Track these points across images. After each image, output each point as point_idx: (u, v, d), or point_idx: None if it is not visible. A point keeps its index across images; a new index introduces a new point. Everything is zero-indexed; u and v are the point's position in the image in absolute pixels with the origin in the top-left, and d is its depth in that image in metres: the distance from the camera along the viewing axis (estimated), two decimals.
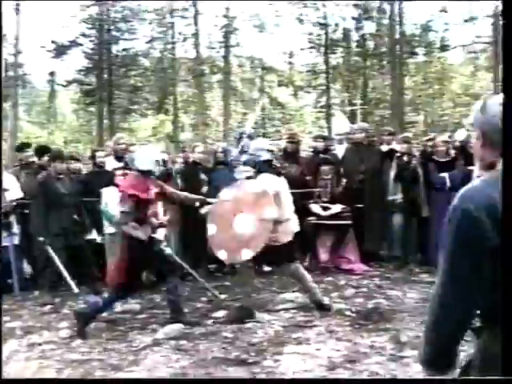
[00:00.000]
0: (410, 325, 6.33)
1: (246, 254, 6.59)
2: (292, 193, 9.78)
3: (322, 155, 10.21)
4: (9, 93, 35.52)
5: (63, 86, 35.73)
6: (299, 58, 40.74)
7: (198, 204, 7.62)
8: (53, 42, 31.70)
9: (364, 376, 4.93)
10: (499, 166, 2.10)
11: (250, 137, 10.26)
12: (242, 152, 9.94)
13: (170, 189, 7.39)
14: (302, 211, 9.54)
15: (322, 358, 5.46)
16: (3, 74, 36.18)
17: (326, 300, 7.20)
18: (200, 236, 9.37)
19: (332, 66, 33.54)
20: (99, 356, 5.86)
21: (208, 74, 33.60)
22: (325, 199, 9.82)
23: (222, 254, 6.79)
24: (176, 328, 6.48)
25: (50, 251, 8.51)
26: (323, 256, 9.75)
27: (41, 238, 8.56)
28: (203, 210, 7.43)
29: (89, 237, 9.09)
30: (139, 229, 6.56)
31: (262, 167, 7.09)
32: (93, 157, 10.16)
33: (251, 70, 36.62)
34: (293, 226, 7.28)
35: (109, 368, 5.48)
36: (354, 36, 33.88)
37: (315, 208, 9.78)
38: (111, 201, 8.90)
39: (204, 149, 10.56)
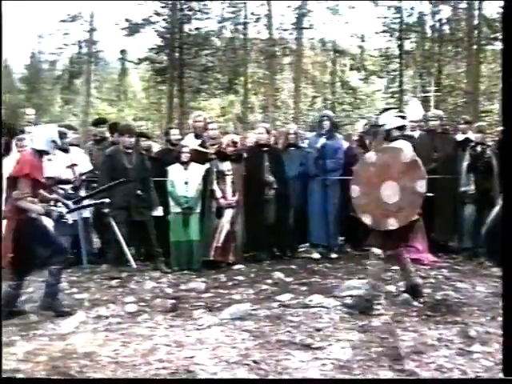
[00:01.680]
0: (479, 319, 6.17)
1: (392, 224, 6.31)
2: None
3: None
4: (81, 70, 36.28)
5: (135, 63, 36.20)
6: (372, 41, 40.19)
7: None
8: (126, 20, 32.09)
9: (431, 369, 4.83)
10: None
11: (332, 120, 10.19)
12: (321, 135, 9.89)
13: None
14: None
15: (388, 347, 5.38)
16: (76, 51, 36.96)
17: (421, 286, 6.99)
18: (264, 219, 9.45)
19: (405, 51, 32.98)
20: (165, 332, 5.91)
21: (279, 56, 33.44)
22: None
23: (366, 218, 6.51)
24: (242, 308, 6.49)
25: (113, 224, 8.67)
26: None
27: (106, 210, 8.68)
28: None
29: (154, 213, 9.15)
30: (35, 202, 6.41)
31: (395, 135, 6.76)
32: (167, 134, 10.23)
33: (323, 52, 36.27)
34: None
35: (173, 344, 5.52)
36: (430, 21, 33.21)
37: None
38: (177, 179, 9.00)
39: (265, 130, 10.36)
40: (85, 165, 9.45)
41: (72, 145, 9.42)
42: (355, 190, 6.68)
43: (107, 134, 10.20)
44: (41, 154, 6.62)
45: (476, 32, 29.08)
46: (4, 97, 37.25)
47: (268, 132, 10.04)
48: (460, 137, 10.15)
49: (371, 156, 6.63)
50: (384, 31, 33.13)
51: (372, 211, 6.46)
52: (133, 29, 32.09)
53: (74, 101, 41.24)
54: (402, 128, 6.82)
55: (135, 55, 35.52)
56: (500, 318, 6.13)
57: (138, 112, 39.18)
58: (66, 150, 9.05)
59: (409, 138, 6.89)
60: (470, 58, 29.08)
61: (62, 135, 7.99)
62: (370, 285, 6.59)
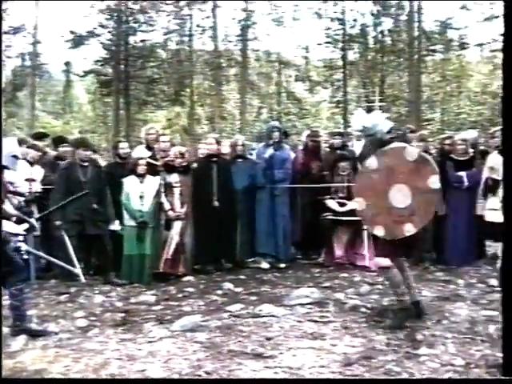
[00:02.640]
0: (425, 323, 6.30)
1: (409, 229, 5.92)
2: (309, 188, 9.90)
3: (339, 151, 10.23)
4: (24, 82, 35.80)
5: (80, 76, 35.93)
6: (316, 52, 40.67)
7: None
8: (71, 32, 31.80)
9: (380, 372, 4.94)
10: None
11: (281, 131, 10.31)
12: (269, 145, 9.99)
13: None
14: (318, 207, 9.62)
15: (338, 353, 5.47)
16: (20, 63, 36.51)
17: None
18: (212, 230, 9.48)
19: (349, 62, 33.46)
20: (116, 346, 5.90)
21: (225, 67, 33.57)
22: (341, 195, 9.82)
23: (378, 231, 6.13)
24: (192, 320, 6.51)
25: (65, 237, 8.58)
26: (338, 252, 9.78)
27: (57, 222, 8.60)
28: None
29: (112, 227, 9.11)
30: None
31: (387, 140, 6.25)
32: (115, 147, 10.18)
33: (268, 63, 36.53)
34: None
35: (125, 358, 5.52)
36: (372, 32, 33.79)
37: (331, 204, 9.80)
38: (132, 192, 8.98)
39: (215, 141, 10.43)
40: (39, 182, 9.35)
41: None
42: (360, 203, 6.28)
43: (47, 149, 10.11)
44: (0, 169, 6.27)
45: (416, 43, 29.73)
46: None
47: (218, 143, 10.10)
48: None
49: (372, 163, 6.16)
50: (328, 42, 33.55)
51: (383, 221, 6.06)
52: (77, 41, 31.80)
53: (17, 114, 40.67)
54: (390, 130, 6.39)
55: (80, 68, 35.26)
56: (445, 321, 6.33)
57: (84, 125, 38.86)
58: (30, 163, 9.01)
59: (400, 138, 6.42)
60: (411, 69, 29.73)
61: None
62: (398, 294, 6.24)
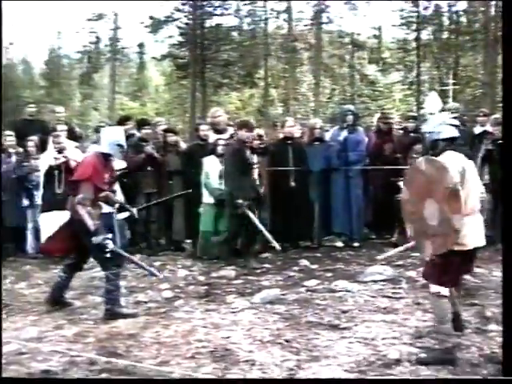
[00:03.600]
0: (494, 301, 6.48)
1: (427, 248, 5.18)
2: (382, 170, 10.09)
3: (413, 134, 10.36)
4: (100, 65, 36.84)
5: (158, 59, 36.68)
6: (389, 34, 40.34)
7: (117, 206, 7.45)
8: (150, 17, 32.53)
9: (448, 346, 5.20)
10: None
11: (355, 114, 10.52)
12: (343, 128, 10.22)
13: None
14: (391, 188, 9.82)
15: (410, 327, 5.77)
16: (99, 47, 37.57)
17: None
18: (288, 210, 9.81)
19: (423, 43, 33.12)
20: (201, 315, 6.34)
21: (299, 50, 33.73)
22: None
23: (409, 228, 5.46)
24: (271, 293, 6.91)
25: (250, 214, 8.78)
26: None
27: (239, 201, 8.74)
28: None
29: None
30: (92, 216, 6.32)
31: (442, 147, 5.37)
32: (196, 129, 10.60)
33: (341, 46, 36.48)
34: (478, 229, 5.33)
35: (211, 326, 5.96)
36: (446, 12, 33.35)
37: None
38: (212, 171, 9.36)
39: (296, 124, 10.77)
40: (119, 161, 9.83)
41: None
42: (405, 192, 5.53)
43: (133, 131, 10.55)
44: (105, 157, 6.53)
45: (492, 24, 29.14)
46: (24, 92, 37.86)
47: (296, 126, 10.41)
48: (478, 129, 10.39)
49: (421, 163, 5.28)
50: (401, 24, 33.31)
51: (414, 224, 5.39)
52: (156, 26, 32.52)
53: (92, 95, 41.83)
54: (453, 139, 5.43)
55: (158, 51, 36.01)
56: None
57: (160, 107, 39.61)
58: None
59: (463, 150, 5.42)
60: (486, 49, 29.17)
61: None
62: (442, 333, 5.15)
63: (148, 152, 9.98)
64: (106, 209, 7.12)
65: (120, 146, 6.56)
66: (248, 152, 9.12)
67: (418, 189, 5.25)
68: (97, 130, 11.00)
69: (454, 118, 6.18)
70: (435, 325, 5.27)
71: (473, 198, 5.23)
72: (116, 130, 6.93)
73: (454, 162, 5.13)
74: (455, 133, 5.44)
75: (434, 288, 5.17)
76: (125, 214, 6.98)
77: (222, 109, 12.16)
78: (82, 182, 6.36)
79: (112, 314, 6.35)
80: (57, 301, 6.78)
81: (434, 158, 5.22)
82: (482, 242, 5.30)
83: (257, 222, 8.76)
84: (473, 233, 5.16)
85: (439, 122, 5.57)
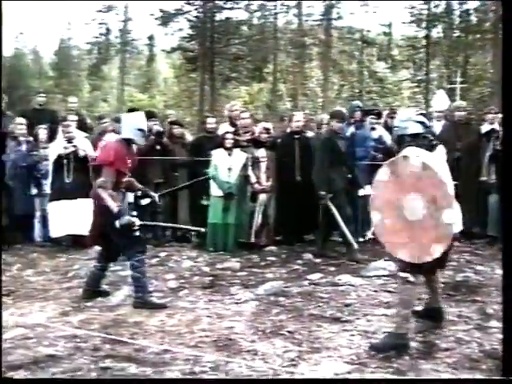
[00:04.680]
0: (496, 298, 6.51)
1: (438, 249, 4.98)
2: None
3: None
4: (109, 57, 36.94)
5: (167, 52, 36.77)
6: (399, 31, 40.34)
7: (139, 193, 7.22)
8: (160, 10, 32.60)
9: (450, 341, 5.26)
10: None
11: (362, 110, 10.56)
12: (350, 124, 10.26)
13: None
14: None
15: (411, 322, 5.81)
16: (108, 38, 37.68)
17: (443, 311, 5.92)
18: (295, 205, 9.87)
19: (433, 41, 33.09)
20: (205, 305, 6.42)
21: (308, 45, 33.75)
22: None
23: (403, 255, 5.15)
24: (275, 285, 6.99)
25: (332, 206, 8.89)
26: None
27: (322, 192, 8.88)
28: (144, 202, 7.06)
29: (361, 193, 9.56)
30: (115, 198, 6.30)
31: (408, 142, 5.49)
32: (204, 122, 10.69)
33: (351, 42, 36.46)
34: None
35: (214, 316, 6.04)
36: (457, 11, 33.29)
37: None
38: (221, 164, 9.44)
39: (305, 118, 10.83)
40: None
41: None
42: (375, 216, 5.35)
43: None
44: (128, 142, 6.55)
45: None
46: (33, 82, 38.03)
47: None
48: (485, 127, 10.42)
49: (381, 173, 5.28)
50: (411, 21, 33.29)
51: (404, 241, 5.12)
52: (166, 18, 32.60)
53: (101, 87, 41.94)
54: (418, 135, 5.56)
55: (167, 44, 36.17)
56: None
57: (168, 99, 39.68)
58: None
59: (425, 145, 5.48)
60: (496, 48, 29.12)
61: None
62: (401, 316, 5.23)
63: (155, 131, 10.06)
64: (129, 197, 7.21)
65: (141, 130, 6.56)
66: (340, 142, 9.18)
67: (389, 198, 5.21)
68: (100, 118, 11.09)
69: (420, 114, 6.27)
70: (397, 308, 5.33)
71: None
72: (137, 115, 6.92)
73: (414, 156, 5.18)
74: (420, 129, 5.58)
75: (403, 273, 5.24)
76: (147, 200, 7.00)
77: (230, 102, 12.25)
78: (104, 167, 6.37)
79: (142, 303, 6.37)
80: (94, 291, 6.79)
81: (394, 158, 5.31)
82: (460, 228, 5.47)
83: (337, 214, 8.84)
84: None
85: (405, 119, 5.72)
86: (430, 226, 4.97)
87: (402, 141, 5.62)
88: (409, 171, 5.08)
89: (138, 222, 6.30)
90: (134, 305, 6.39)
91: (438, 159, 5.43)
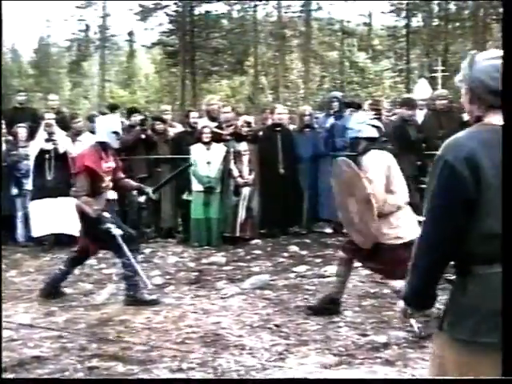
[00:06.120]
0: None
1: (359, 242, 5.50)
2: None
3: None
4: (89, 53, 36.81)
5: (147, 47, 36.67)
6: (379, 21, 40.37)
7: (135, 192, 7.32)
8: (140, 5, 32.48)
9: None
10: (486, 120, 2.25)
11: (341, 101, 10.52)
12: (330, 115, 10.25)
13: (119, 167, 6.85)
14: None
15: (397, 311, 5.82)
16: (87, 35, 37.55)
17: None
18: (278, 196, 9.87)
19: (412, 30, 33.16)
20: (191, 301, 6.40)
21: (289, 37, 33.74)
22: None
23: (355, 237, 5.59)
24: (261, 279, 6.98)
25: None
26: None
27: None
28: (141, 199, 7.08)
29: None
30: (90, 204, 6.22)
31: (365, 146, 5.65)
32: (186, 116, 10.67)
33: (331, 33, 36.46)
34: (412, 219, 5.57)
35: (201, 312, 6.01)
36: None
37: None
38: (199, 159, 9.41)
39: (286, 111, 10.83)
40: None
41: None
42: (334, 185, 5.90)
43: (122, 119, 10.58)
44: (103, 146, 6.44)
45: (482, 10, 29.19)
46: (13, 81, 37.74)
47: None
48: (466, 116, 10.43)
49: (342, 163, 5.61)
50: (391, 11, 33.36)
51: (342, 213, 5.82)
52: (145, 13, 32.47)
53: (82, 84, 41.74)
54: (374, 139, 5.71)
55: (147, 39, 36.07)
56: None
57: (150, 94, 39.58)
58: None
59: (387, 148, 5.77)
60: (476, 36, 29.24)
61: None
62: (338, 284, 5.84)
63: (138, 120, 10.24)
64: (110, 195, 7.12)
65: (116, 133, 6.50)
66: (410, 129, 9.13)
67: (341, 186, 5.66)
68: (73, 117, 11.03)
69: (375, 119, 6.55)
70: (336, 278, 5.89)
71: (401, 192, 5.55)
72: (111, 118, 6.97)
73: (379, 161, 5.46)
74: (375, 133, 5.71)
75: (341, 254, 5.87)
76: (143, 198, 6.97)
77: (207, 96, 12.24)
78: (77, 175, 6.37)
79: (134, 301, 6.32)
80: (51, 292, 6.72)
81: (350, 162, 5.46)
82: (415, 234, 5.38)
83: None
84: (407, 226, 5.39)
85: (360, 121, 5.87)
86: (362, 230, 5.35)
87: (356, 143, 5.77)
88: (343, 175, 5.47)
89: (115, 231, 6.22)
90: (125, 303, 6.34)
91: (393, 164, 5.60)
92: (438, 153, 2.27)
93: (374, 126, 5.80)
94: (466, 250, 2.20)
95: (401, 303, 2.52)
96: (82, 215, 6.33)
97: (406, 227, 5.37)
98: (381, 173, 5.40)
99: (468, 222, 2.16)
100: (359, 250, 5.57)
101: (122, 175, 6.89)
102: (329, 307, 5.84)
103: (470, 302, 2.18)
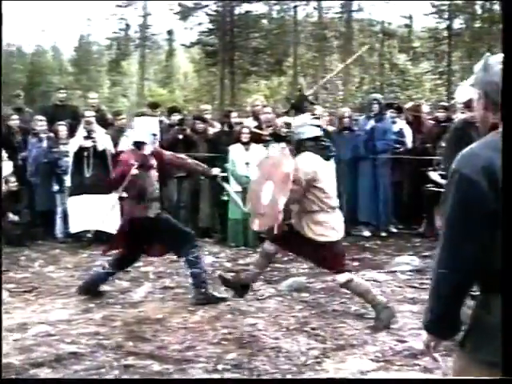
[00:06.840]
0: None
1: (256, 225, 6.04)
2: (412, 159, 10.04)
3: (443, 124, 10.28)
4: (129, 52, 37.07)
5: (187, 46, 36.77)
6: (420, 23, 39.93)
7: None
8: (179, 4, 32.57)
9: None
10: (501, 128, 2.07)
11: (381, 103, 10.44)
12: (370, 117, 10.17)
13: (176, 157, 7.07)
14: (419, 178, 9.76)
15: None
16: (128, 34, 37.83)
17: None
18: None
19: (455, 32, 32.76)
20: (227, 302, 6.37)
21: (329, 38, 33.60)
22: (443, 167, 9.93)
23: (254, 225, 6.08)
24: (298, 281, 6.94)
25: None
26: (439, 223, 9.90)
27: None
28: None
29: None
30: (137, 206, 6.40)
31: (302, 146, 5.85)
32: (226, 116, 10.67)
33: (372, 34, 36.19)
34: (340, 222, 5.92)
35: (237, 313, 5.99)
36: (479, 1, 32.87)
37: (434, 175, 9.89)
38: (238, 159, 9.39)
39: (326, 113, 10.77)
40: None
41: None
42: (255, 174, 6.51)
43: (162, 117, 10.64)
44: (140, 145, 6.55)
45: None
46: (53, 78, 38.25)
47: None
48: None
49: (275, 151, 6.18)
50: (433, 12, 32.97)
51: (251, 201, 6.19)
52: (185, 13, 32.58)
53: (121, 82, 42.06)
54: (316, 139, 5.91)
55: (187, 38, 36.14)
56: None
57: (188, 93, 39.71)
58: None
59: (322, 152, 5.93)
60: None
61: None
62: (253, 273, 6.26)
63: (177, 120, 10.32)
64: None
65: (154, 135, 6.63)
66: (472, 131, 9.11)
67: (263, 171, 6.04)
68: (117, 114, 11.14)
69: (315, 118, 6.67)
70: (253, 265, 6.34)
71: (332, 195, 5.85)
72: (150, 120, 7.01)
73: (307, 163, 5.69)
74: (318, 132, 5.93)
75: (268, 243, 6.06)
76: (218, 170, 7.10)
77: (249, 97, 12.24)
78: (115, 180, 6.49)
79: (205, 298, 6.35)
80: (90, 290, 6.71)
81: (286, 148, 6.00)
82: (341, 235, 5.84)
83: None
84: (334, 227, 5.72)
85: (301, 124, 5.99)
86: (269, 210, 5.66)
87: (301, 146, 5.86)
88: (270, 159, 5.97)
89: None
90: (196, 301, 6.34)
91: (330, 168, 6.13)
92: (453, 166, 2.14)
93: (314, 125, 6.00)
94: (490, 264, 2.06)
95: (423, 334, 2.34)
96: (136, 219, 6.41)
97: (332, 227, 5.72)
98: (309, 169, 5.63)
99: (492, 237, 2.03)
100: (287, 242, 5.98)
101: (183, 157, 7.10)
102: (239, 290, 6.21)
103: (495, 321, 2.01)
